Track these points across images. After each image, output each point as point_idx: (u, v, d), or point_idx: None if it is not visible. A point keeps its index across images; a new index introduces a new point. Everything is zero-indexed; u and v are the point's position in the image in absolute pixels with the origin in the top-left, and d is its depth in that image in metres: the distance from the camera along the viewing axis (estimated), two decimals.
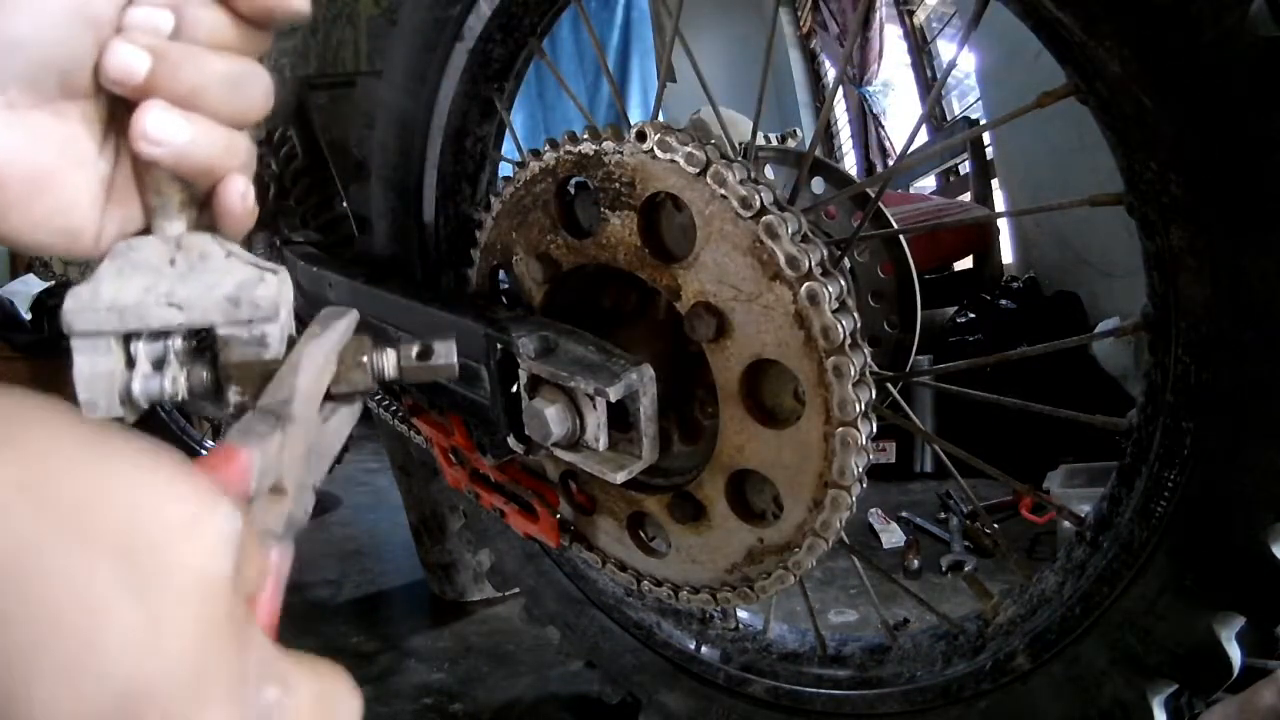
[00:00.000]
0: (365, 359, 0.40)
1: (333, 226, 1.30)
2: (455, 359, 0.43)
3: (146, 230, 0.39)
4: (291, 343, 0.38)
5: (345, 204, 1.28)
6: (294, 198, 1.33)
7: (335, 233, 1.28)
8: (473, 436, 0.93)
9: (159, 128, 0.35)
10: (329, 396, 0.39)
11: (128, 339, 0.37)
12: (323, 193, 1.33)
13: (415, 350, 0.42)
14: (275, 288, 0.38)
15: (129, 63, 0.34)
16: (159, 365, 0.38)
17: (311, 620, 1.58)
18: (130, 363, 0.37)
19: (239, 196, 0.38)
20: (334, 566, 1.93)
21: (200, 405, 0.39)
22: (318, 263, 1.05)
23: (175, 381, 0.37)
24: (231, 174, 0.38)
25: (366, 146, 1.04)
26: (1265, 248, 0.55)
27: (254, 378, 0.37)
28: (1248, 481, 0.59)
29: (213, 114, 0.36)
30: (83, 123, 0.36)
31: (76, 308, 0.36)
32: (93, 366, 0.36)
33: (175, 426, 2.61)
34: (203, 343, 0.38)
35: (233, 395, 0.37)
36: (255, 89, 0.37)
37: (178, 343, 0.38)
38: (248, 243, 1.22)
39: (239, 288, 0.37)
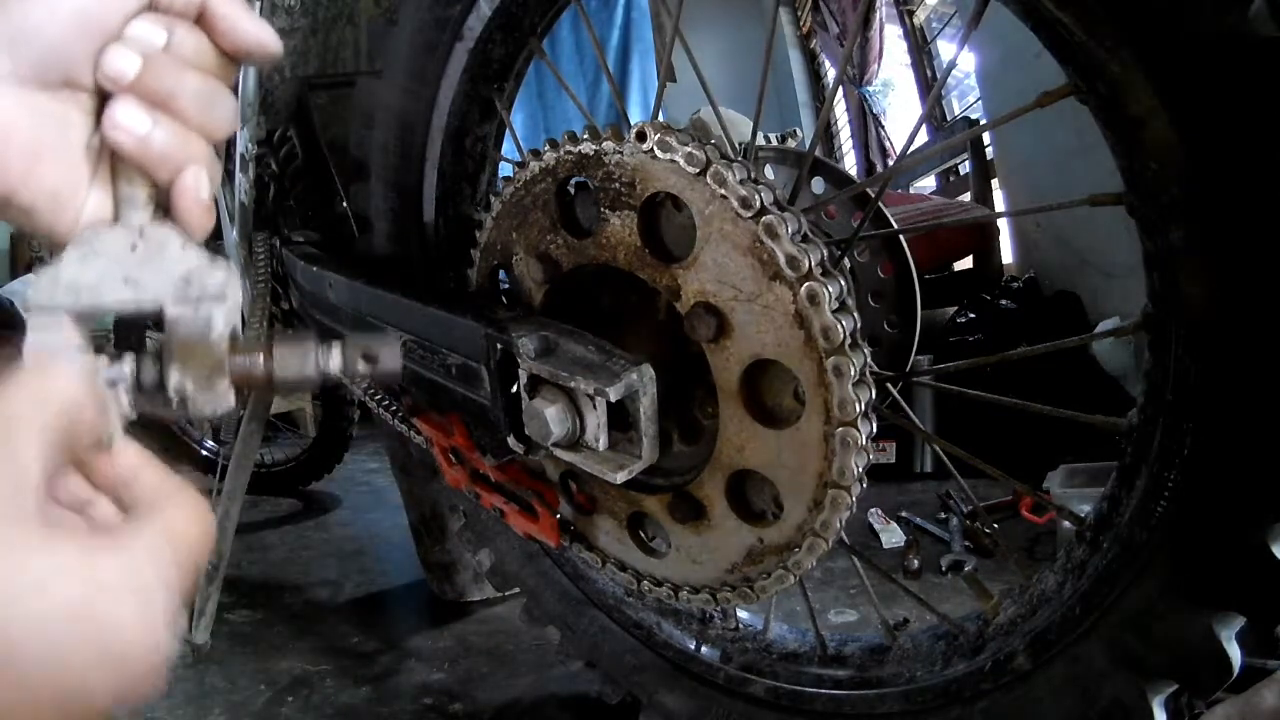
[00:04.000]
0: (310, 354, 0.43)
1: (333, 226, 1.30)
2: (399, 364, 0.45)
3: (115, 222, 0.43)
4: (235, 336, 0.42)
5: (345, 204, 1.28)
6: (294, 198, 1.33)
7: (335, 233, 1.28)
8: (473, 436, 0.92)
9: (125, 117, 0.40)
10: (273, 388, 0.43)
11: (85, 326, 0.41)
12: (323, 193, 1.33)
13: (360, 352, 0.44)
14: (225, 274, 0.42)
15: (122, 64, 0.40)
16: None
17: (311, 620, 1.58)
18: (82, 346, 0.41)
19: (194, 188, 0.42)
20: (334, 566, 1.93)
21: (144, 400, 0.42)
22: (318, 263, 1.05)
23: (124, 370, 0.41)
24: (189, 167, 0.42)
25: (366, 146, 1.04)
26: (1265, 247, 0.55)
27: (196, 358, 0.41)
28: (1248, 481, 0.59)
29: (180, 118, 0.41)
30: (79, 112, 0.41)
31: (37, 285, 0.41)
32: (43, 342, 0.40)
33: (176, 427, 2.61)
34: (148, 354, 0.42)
35: (174, 375, 0.41)
36: (221, 108, 0.43)
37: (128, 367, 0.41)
38: (249, 242, 1.23)
39: (192, 270, 0.42)
